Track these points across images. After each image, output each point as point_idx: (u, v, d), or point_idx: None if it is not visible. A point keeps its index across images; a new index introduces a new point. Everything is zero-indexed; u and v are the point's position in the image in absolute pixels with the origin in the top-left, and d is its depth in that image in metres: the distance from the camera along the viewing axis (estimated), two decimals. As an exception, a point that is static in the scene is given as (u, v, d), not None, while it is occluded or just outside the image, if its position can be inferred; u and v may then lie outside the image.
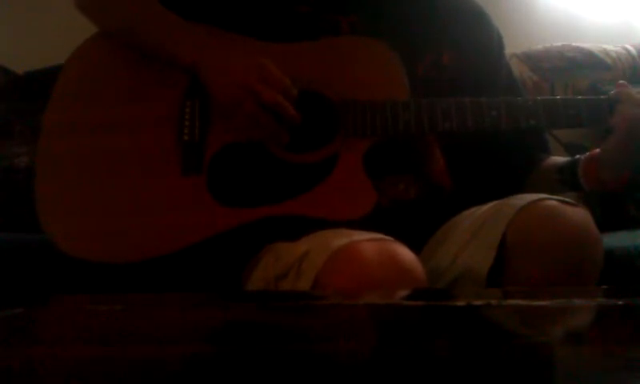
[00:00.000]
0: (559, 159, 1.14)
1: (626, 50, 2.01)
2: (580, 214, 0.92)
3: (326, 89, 1.05)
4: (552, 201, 0.92)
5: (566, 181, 1.08)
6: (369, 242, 0.88)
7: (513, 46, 1.94)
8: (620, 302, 0.71)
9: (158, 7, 1.09)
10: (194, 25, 1.08)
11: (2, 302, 0.73)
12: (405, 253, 0.89)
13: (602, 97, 1.04)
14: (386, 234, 0.91)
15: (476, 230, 0.96)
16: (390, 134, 1.02)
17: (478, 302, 0.72)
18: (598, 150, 1.05)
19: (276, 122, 1.01)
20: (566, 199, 0.93)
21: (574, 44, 2.02)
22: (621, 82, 1.07)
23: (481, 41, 1.18)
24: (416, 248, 0.93)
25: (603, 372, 0.51)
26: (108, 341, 0.61)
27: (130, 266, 1.01)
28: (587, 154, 1.06)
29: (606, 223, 1.31)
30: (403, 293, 0.83)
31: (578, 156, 1.08)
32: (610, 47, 2.01)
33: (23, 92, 1.92)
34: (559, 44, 2.03)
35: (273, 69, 1.01)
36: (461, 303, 0.73)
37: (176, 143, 1.05)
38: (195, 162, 1.04)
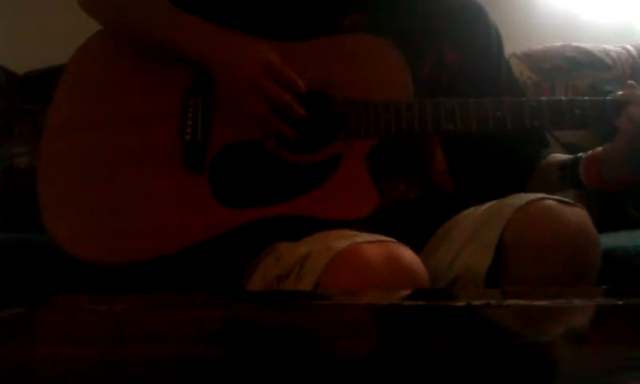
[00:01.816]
0: (561, 156, 1.14)
1: (626, 49, 2.01)
2: (578, 214, 0.92)
3: (329, 88, 1.05)
4: (550, 201, 0.92)
5: (566, 178, 1.08)
6: (371, 244, 0.88)
7: (513, 46, 1.95)
8: (620, 302, 0.71)
9: (163, 3, 1.08)
10: (200, 20, 1.08)
11: (2, 302, 0.73)
12: (408, 255, 0.89)
13: (608, 98, 1.04)
14: (386, 234, 0.91)
15: (474, 230, 0.95)
16: (393, 134, 1.02)
17: (478, 302, 0.72)
18: (600, 149, 1.04)
19: (281, 119, 1.01)
20: (565, 199, 0.93)
21: (574, 44, 2.02)
22: (630, 82, 1.06)
23: (481, 38, 1.18)
24: (416, 249, 0.93)
25: (603, 372, 0.51)
26: (108, 341, 0.61)
27: (132, 267, 1.01)
28: (590, 152, 1.06)
29: (606, 223, 1.31)
30: (403, 293, 0.83)
31: (580, 154, 1.08)
32: (610, 47, 2.01)
33: (23, 92, 1.93)
34: (559, 44, 2.03)
35: (280, 65, 1.01)
36: (461, 303, 0.73)
37: (178, 142, 1.05)
38: (197, 162, 1.04)
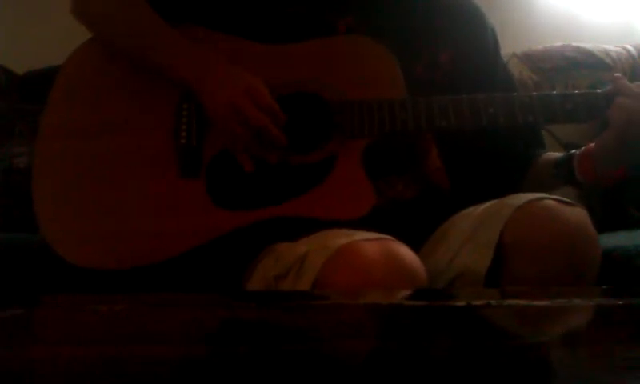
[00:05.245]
0: (556, 155, 1.14)
1: (626, 49, 2.01)
2: (577, 214, 0.92)
3: (322, 89, 1.05)
4: (549, 200, 0.92)
5: (561, 175, 1.08)
6: (370, 242, 0.88)
7: (513, 46, 1.94)
8: (620, 302, 0.71)
9: (152, 18, 1.08)
10: (187, 36, 1.07)
11: (2, 302, 0.73)
12: (406, 253, 0.89)
13: (598, 91, 1.04)
14: (384, 233, 0.91)
15: (474, 230, 0.95)
16: (387, 132, 1.02)
17: (478, 302, 0.72)
18: (593, 144, 1.04)
19: (261, 143, 1.01)
20: (564, 199, 0.93)
21: (574, 44, 2.01)
22: (617, 74, 1.06)
23: (477, 38, 1.18)
24: (414, 248, 0.93)
25: (603, 372, 0.51)
26: (108, 341, 0.61)
27: (129, 272, 1.01)
28: (583, 148, 1.06)
29: (606, 223, 1.31)
30: (403, 293, 0.83)
31: (573, 151, 1.08)
32: (610, 47, 2.01)
33: (23, 92, 1.93)
34: (559, 44, 2.02)
35: (262, 90, 1.01)
36: (461, 303, 0.73)
37: (173, 146, 1.05)
38: (193, 166, 1.04)
